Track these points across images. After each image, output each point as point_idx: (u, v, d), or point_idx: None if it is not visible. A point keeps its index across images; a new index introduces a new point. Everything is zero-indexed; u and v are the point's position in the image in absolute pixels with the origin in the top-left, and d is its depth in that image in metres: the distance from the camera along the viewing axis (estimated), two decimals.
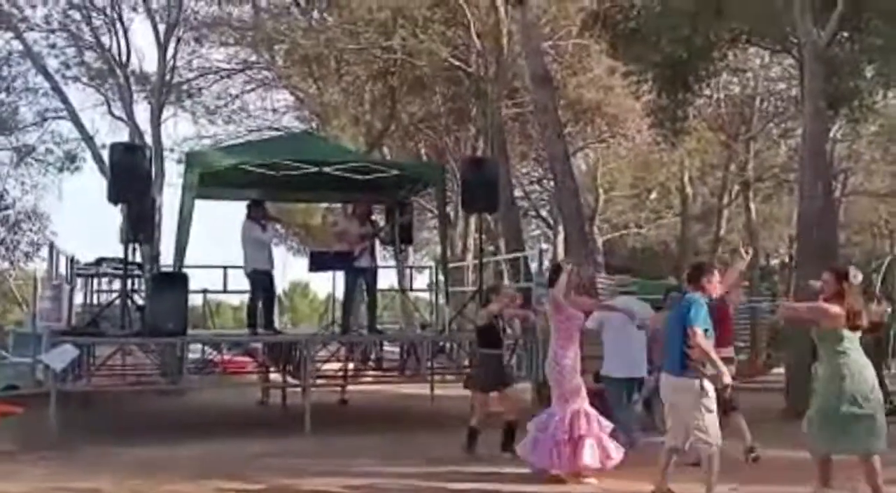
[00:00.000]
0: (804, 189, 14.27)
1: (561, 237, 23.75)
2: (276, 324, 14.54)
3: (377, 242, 14.67)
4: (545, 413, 8.54)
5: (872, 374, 7.16)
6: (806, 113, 14.37)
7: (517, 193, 27.19)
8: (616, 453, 8.30)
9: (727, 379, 7.18)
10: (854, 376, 6.98)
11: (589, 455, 8.15)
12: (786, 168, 29.66)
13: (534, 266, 17.52)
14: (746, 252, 8.17)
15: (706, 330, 7.14)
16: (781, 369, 15.16)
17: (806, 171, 14.30)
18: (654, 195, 35.01)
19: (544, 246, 31.72)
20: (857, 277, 7.34)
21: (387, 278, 21.66)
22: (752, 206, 29.67)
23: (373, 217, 14.68)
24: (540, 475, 8.32)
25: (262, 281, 13.41)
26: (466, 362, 14.84)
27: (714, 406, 7.14)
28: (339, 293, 14.77)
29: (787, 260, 33.63)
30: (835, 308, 7.07)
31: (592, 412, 8.44)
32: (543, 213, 36.01)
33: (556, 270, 8.93)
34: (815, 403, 7.20)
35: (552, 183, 21.98)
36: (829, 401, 7.02)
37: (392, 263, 20.15)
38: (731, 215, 33.33)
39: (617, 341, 10.18)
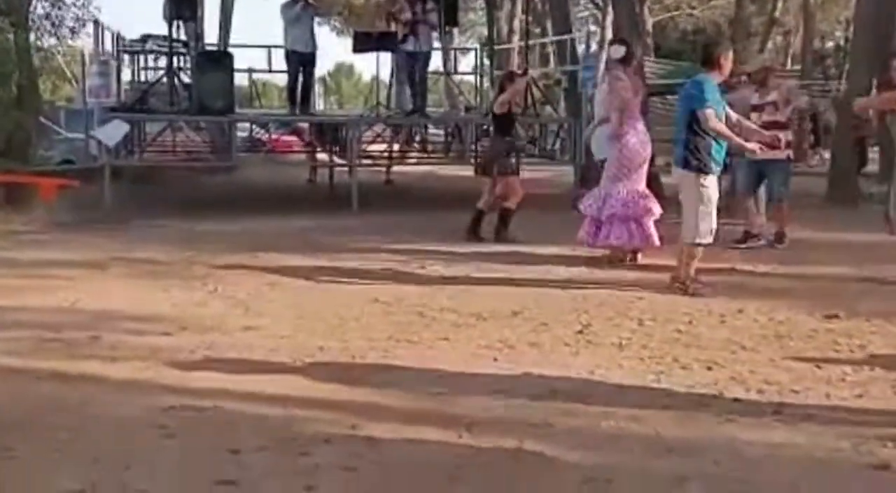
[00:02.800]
0: None
1: (610, 19, 23.11)
2: (315, 106, 14.61)
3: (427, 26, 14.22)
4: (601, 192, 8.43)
5: None
6: None
7: None
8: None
9: (757, 151, 7.24)
10: None
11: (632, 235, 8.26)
12: None
13: (581, 49, 17.23)
14: None
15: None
16: (827, 155, 15.07)
17: None
18: None
19: (592, 28, 30.98)
20: None
21: (432, 61, 21.43)
22: None
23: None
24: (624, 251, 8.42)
25: (297, 61, 13.42)
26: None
27: (711, 199, 7.01)
28: (384, 75, 14.77)
29: (841, 43, 32.65)
30: None
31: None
32: None
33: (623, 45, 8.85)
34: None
35: None
36: None
37: (436, 45, 19.90)
38: None
39: None
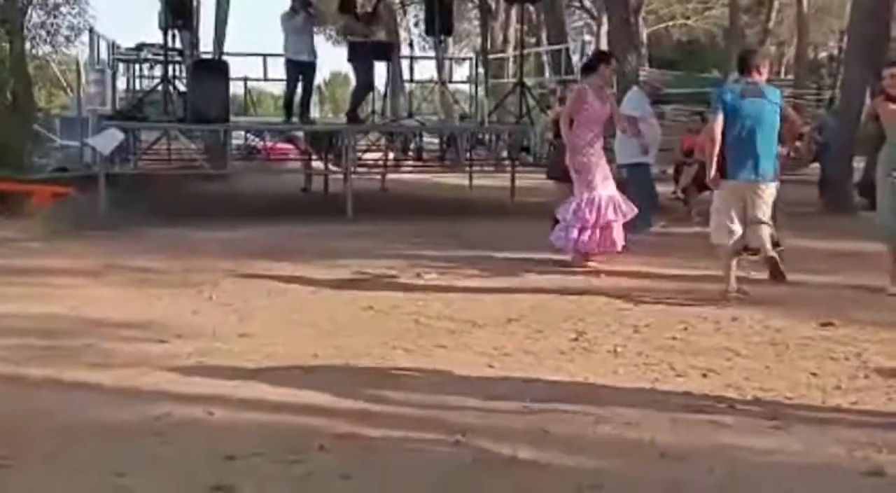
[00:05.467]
0: None
1: (605, 29, 23.17)
2: (314, 114, 14.60)
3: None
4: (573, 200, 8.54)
5: None
6: None
7: None
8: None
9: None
10: None
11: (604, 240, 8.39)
12: None
13: (576, 58, 17.29)
14: None
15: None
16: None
17: None
18: None
19: (587, 38, 31.09)
20: None
21: (427, 70, 21.55)
22: None
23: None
24: (573, 261, 8.52)
25: (296, 71, 13.36)
26: (505, 154, 14.98)
27: (718, 206, 7.08)
28: (379, 83, 14.77)
29: (835, 53, 32.76)
30: None
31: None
32: (587, 3, 35.06)
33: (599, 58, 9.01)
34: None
35: None
36: None
37: (432, 54, 19.97)
38: (781, 6, 32.30)
39: None
